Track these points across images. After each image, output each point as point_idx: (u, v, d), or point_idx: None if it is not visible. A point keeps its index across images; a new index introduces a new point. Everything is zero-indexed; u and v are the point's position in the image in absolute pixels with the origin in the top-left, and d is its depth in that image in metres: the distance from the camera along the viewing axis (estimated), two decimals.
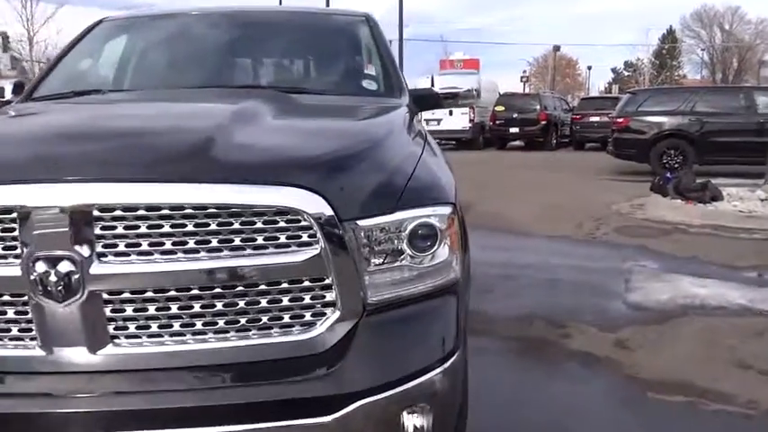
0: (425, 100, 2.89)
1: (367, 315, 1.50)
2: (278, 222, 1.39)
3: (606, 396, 2.77)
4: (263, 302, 1.42)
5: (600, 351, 3.24)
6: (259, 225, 1.38)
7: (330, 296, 1.46)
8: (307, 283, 1.44)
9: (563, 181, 10.97)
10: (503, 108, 20.41)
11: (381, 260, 1.54)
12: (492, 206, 8.02)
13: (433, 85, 2.93)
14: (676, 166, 11.14)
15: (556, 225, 6.76)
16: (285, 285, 1.42)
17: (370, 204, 1.51)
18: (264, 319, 1.44)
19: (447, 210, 1.63)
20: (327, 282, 1.45)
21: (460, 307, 1.70)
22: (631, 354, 3.21)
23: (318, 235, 1.41)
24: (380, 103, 2.38)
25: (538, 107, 20.29)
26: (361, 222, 1.48)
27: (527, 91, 32.47)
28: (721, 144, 11.15)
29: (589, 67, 55.92)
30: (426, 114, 18.17)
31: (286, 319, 1.45)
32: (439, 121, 20.22)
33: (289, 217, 1.40)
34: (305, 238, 1.42)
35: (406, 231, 1.55)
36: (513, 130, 20.22)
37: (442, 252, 1.62)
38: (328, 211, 1.42)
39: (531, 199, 8.74)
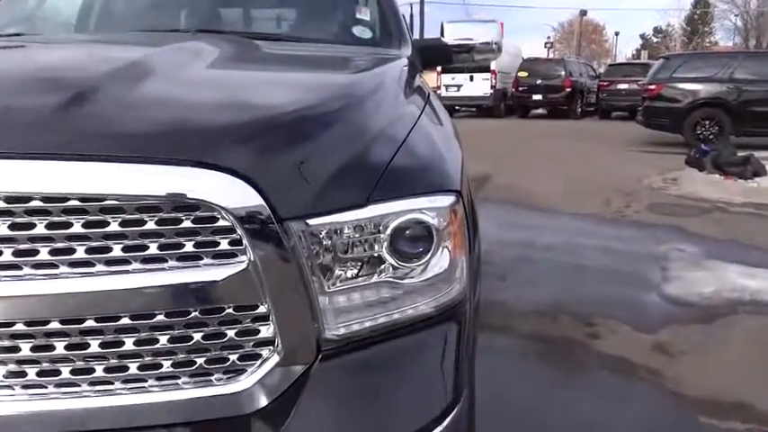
0: (432, 53, 2.36)
1: (323, 358, 1.03)
2: (180, 222, 0.91)
3: (648, 420, 2.28)
4: (163, 341, 0.95)
5: (636, 356, 2.75)
6: (150, 226, 0.90)
7: (266, 331, 0.99)
8: (230, 312, 0.96)
9: (589, 152, 10.32)
10: (526, 74, 19.58)
11: (348, 275, 1.06)
12: (511, 178, 7.48)
13: (442, 35, 2.41)
14: (711, 137, 10.43)
15: (581, 201, 6.20)
16: (196, 316, 0.95)
17: (330, 194, 1.02)
18: (167, 364, 0.96)
19: (447, 200, 1.13)
20: (261, 310, 0.97)
21: (465, 336, 1.22)
22: (674, 361, 2.71)
23: (245, 241, 0.93)
24: (371, 54, 1.85)
25: (563, 73, 19.42)
26: (314, 221, 1.00)
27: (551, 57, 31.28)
28: (761, 114, 10.38)
29: (616, 33, 54.27)
30: (445, 80, 17.53)
31: (200, 363, 0.97)
32: (459, 87, 19.55)
33: (198, 214, 0.91)
34: (224, 245, 0.94)
35: (387, 232, 1.07)
36: (537, 97, 19.43)
37: (440, 260, 1.13)
38: (259, 205, 0.93)
39: (555, 171, 8.16)
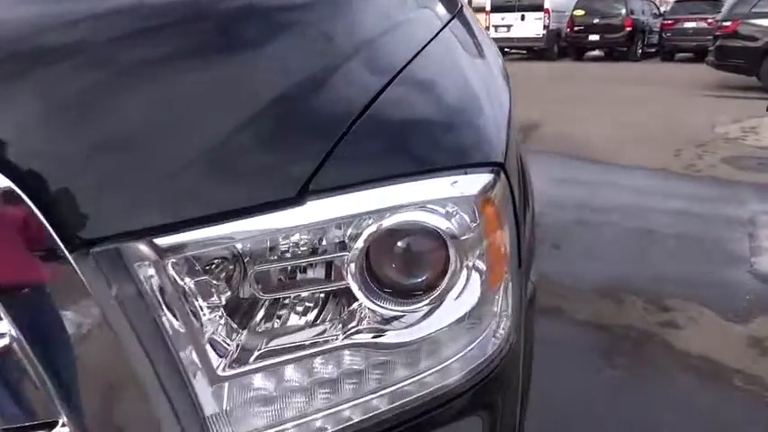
0: None
1: None
2: None
3: None
4: None
5: (726, 355, 2.17)
6: None
7: None
8: None
9: (652, 97, 9.37)
10: (582, 12, 18.18)
11: (275, 333, 0.55)
12: (565, 127, 6.73)
13: None
14: None
15: (646, 152, 5.47)
16: None
17: (211, 187, 0.49)
18: None
19: (476, 183, 0.60)
20: None
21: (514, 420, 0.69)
22: None
23: None
24: None
25: (623, 11, 17.94)
26: (171, 240, 0.47)
27: None
28: None
29: None
30: (495, 19, 16.60)
31: None
32: (509, 27, 18.41)
33: None
34: None
35: (356, 247, 0.54)
36: (593, 37, 18.07)
37: (463, 290, 0.60)
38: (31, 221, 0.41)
39: (614, 118, 7.36)
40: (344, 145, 0.54)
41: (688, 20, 17.43)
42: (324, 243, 0.55)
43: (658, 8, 22.76)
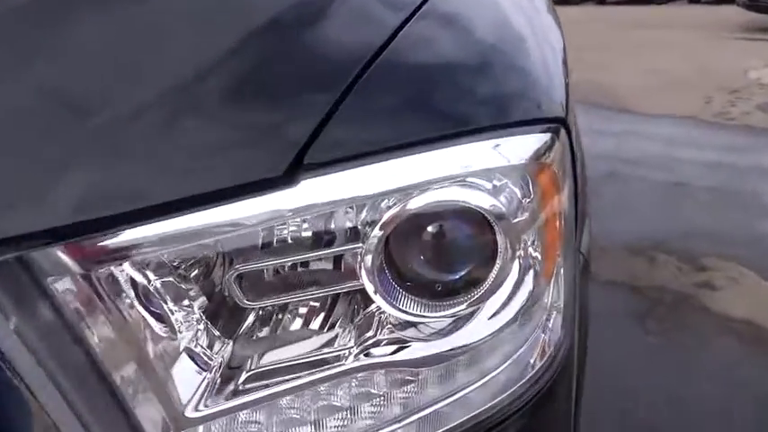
0: None
1: None
2: None
3: None
4: None
5: None
6: None
7: None
8: None
9: (680, 41, 8.93)
10: None
11: (263, 349, 0.41)
12: (590, 74, 6.42)
13: None
14: None
15: (675, 100, 5.20)
16: None
17: (171, 167, 0.34)
18: None
19: (529, 146, 0.44)
20: None
21: None
22: None
23: None
24: None
25: None
26: (104, 242, 0.32)
27: None
28: None
29: None
30: None
31: None
32: None
33: None
34: None
35: (372, 237, 0.39)
36: None
37: (514, 285, 0.45)
38: None
39: (641, 64, 7.02)
40: (350, 102, 0.39)
41: None
42: (328, 233, 0.41)
43: None
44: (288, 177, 0.37)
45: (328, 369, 0.42)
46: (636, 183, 3.33)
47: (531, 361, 0.51)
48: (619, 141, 4.09)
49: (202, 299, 0.42)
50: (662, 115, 4.76)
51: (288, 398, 0.43)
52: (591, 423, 1.62)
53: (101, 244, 0.34)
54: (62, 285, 0.34)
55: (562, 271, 0.55)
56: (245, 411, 0.42)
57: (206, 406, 0.40)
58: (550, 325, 0.54)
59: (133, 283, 0.40)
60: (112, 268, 0.37)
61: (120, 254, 0.35)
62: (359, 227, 0.41)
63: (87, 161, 0.35)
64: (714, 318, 2.07)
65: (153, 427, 0.38)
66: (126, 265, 0.37)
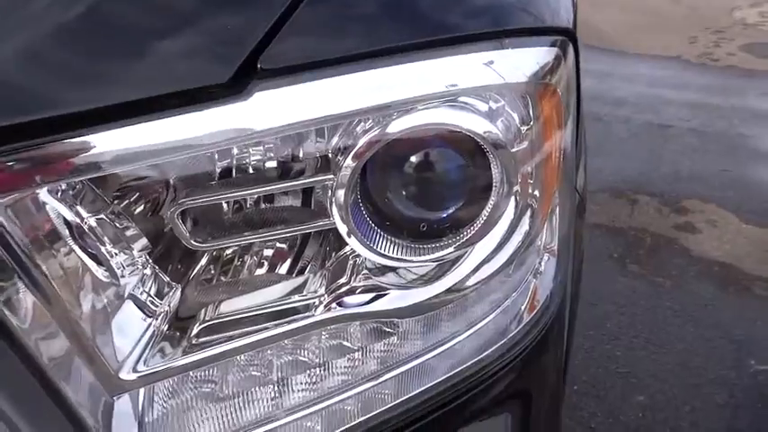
0: None
1: None
2: None
3: None
4: None
5: (747, 263, 2.03)
6: None
7: None
8: None
9: None
10: None
11: (214, 305, 0.34)
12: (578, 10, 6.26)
13: None
14: None
15: (659, 39, 5.10)
16: None
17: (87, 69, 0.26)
18: None
19: (536, 60, 0.36)
20: None
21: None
22: None
23: None
24: None
25: None
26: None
27: None
28: None
29: None
30: None
31: None
32: None
33: None
34: None
35: (345, 166, 0.31)
36: None
37: (515, 219, 0.39)
38: None
39: (626, 3, 6.85)
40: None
41: None
42: (294, 161, 0.34)
43: None
44: (237, 86, 0.30)
45: (296, 321, 0.36)
46: (618, 126, 3.28)
47: (522, 309, 0.46)
48: (603, 81, 4.01)
49: (143, 240, 0.35)
50: (646, 55, 4.67)
51: (248, 353, 0.37)
52: (572, 367, 1.63)
53: (9, 163, 0.26)
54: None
55: (558, 210, 0.49)
56: (197, 370, 0.36)
57: (146, 365, 0.34)
58: (542, 269, 0.49)
59: (66, 221, 0.33)
60: (29, 199, 0.30)
61: (37, 176, 0.28)
62: (329, 155, 0.35)
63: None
64: (692, 260, 2.07)
65: (80, 394, 0.32)
66: (45, 195, 0.30)
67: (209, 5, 0.31)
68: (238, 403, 0.37)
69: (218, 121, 0.30)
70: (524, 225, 0.41)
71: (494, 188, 0.37)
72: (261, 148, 0.36)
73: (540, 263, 0.49)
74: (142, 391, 0.35)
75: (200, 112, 0.30)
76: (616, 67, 4.43)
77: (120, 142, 0.29)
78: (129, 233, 0.35)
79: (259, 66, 0.30)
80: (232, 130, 0.30)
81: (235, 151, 0.35)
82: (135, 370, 0.34)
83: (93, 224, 0.34)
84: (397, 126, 0.34)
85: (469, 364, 0.42)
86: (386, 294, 0.39)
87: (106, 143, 0.29)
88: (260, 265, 0.42)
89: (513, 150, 0.37)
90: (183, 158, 0.32)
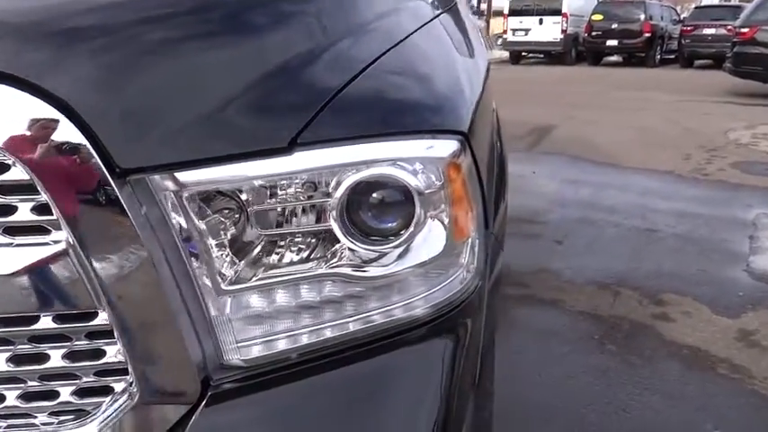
0: None
1: (216, 398, 0.64)
2: None
3: None
4: None
5: (716, 347, 2.26)
6: None
7: (113, 353, 0.60)
8: (48, 325, 0.58)
9: (668, 102, 9.38)
10: (601, 17, 18.11)
11: (267, 262, 0.66)
12: (578, 130, 6.80)
13: None
14: None
15: (656, 156, 5.53)
16: None
17: (221, 133, 0.61)
18: None
19: (444, 148, 0.73)
20: (100, 320, 0.59)
21: (474, 345, 0.81)
22: (765, 355, 2.20)
23: (55, 209, 0.54)
24: None
25: (642, 17, 17.83)
26: (189, 175, 0.59)
27: None
28: None
29: None
30: (513, 23, 16.47)
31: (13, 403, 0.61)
32: (527, 31, 18.40)
33: None
34: (24, 213, 0.55)
35: (337, 195, 0.66)
36: (611, 42, 17.99)
37: (429, 238, 0.73)
38: (79, 145, 0.54)
39: (627, 122, 7.40)
40: (330, 108, 0.66)
41: (708, 26, 17.29)
42: (311, 190, 0.67)
43: (678, 14, 22.58)
44: (288, 149, 0.63)
45: (312, 270, 0.67)
46: (609, 229, 3.60)
47: (446, 294, 0.76)
48: (599, 191, 4.38)
49: (233, 229, 0.67)
50: (642, 169, 5.07)
51: (279, 295, 0.67)
52: (547, 421, 1.84)
53: (186, 178, 0.59)
54: (165, 198, 0.59)
55: (477, 245, 0.80)
56: (253, 296, 0.66)
57: (232, 285, 0.64)
58: (465, 278, 0.79)
59: (199, 205, 0.64)
60: (189, 193, 0.62)
61: (194, 185, 0.60)
62: (330, 189, 0.67)
63: (184, 129, 0.60)
64: (666, 344, 2.30)
65: (205, 286, 0.62)
66: (195, 195, 0.62)
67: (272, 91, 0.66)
68: (272, 320, 0.67)
69: (277, 166, 0.63)
70: (440, 240, 0.73)
71: (416, 214, 0.69)
72: (293, 179, 0.68)
73: (464, 273, 0.79)
74: (228, 298, 0.65)
75: (270, 159, 0.63)
76: (614, 179, 4.82)
77: (232, 173, 0.62)
78: (226, 226, 0.66)
79: (299, 140, 0.63)
80: (282, 171, 0.63)
81: (283, 182, 0.67)
82: (227, 286, 0.64)
83: (204, 219, 0.66)
84: (365, 174, 0.66)
85: (405, 315, 0.72)
86: (359, 270, 0.70)
87: (224, 173, 0.61)
88: (293, 251, 0.73)
89: (428, 193, 0.69)
90: (255, 184, 0.64)
